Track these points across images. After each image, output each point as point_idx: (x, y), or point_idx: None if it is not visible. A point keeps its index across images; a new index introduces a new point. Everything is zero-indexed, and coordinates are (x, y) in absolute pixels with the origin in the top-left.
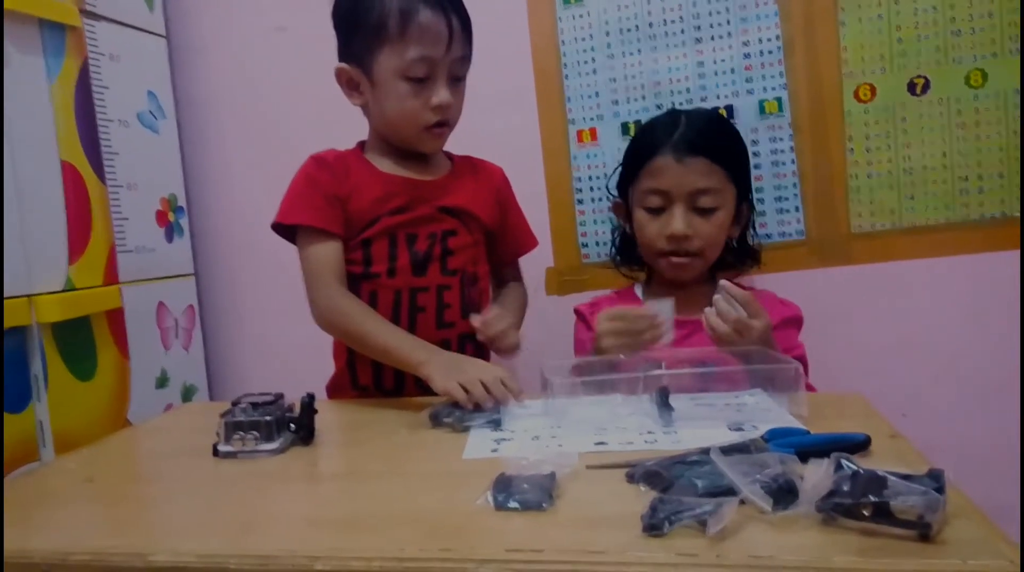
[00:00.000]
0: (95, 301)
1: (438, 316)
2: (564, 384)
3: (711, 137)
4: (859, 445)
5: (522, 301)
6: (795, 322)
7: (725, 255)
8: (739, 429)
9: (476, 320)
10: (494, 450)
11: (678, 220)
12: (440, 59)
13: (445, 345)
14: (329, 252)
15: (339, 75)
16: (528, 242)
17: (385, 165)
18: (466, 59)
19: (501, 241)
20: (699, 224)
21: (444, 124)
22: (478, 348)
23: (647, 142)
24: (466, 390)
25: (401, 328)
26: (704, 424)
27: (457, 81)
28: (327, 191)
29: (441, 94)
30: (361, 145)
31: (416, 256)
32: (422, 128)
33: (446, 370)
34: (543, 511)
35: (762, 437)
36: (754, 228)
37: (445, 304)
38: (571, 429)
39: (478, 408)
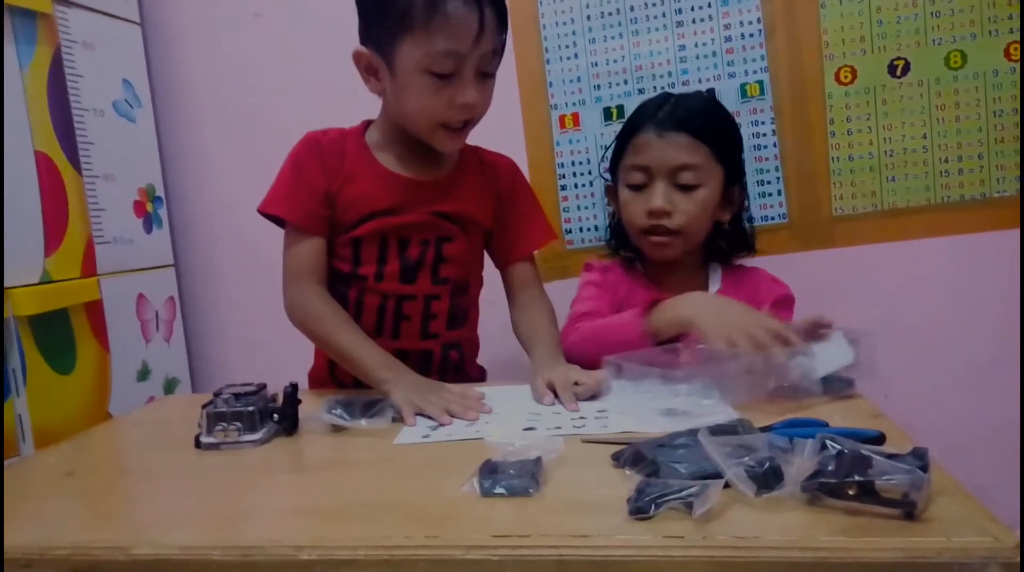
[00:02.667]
0: (73, 293)
1: (423, 326)
2: (632, 368)
3: (696, 114)
4: (872, 441)
5: (553, 322)
6: (788, 302)
7: (717, 240)
8: (672, 416)
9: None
10: (425, 436)
11: (658, 195)
12: (468, 54)
13: (428, 355)
14: (307, 250)
15: (357, 59)
16: (540, 236)
17: (385, 158)
18: (497, 53)
19: (507, 235)
20: (680, 200)
21: (468, 123)
22: (461, 358)
23: (634, 120)
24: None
25: (383, 341)
26: (638, 410)
27: (485, 77)
28: (314, 184)
29: (468, 93)
30: (366, 125)
31: (406, 262)
32: (441, 126)
33: (408, 394)
34: (529, 496)
35: (775, 428)
36: (750, 216)
37: (432, 314)
38: (504, 413)
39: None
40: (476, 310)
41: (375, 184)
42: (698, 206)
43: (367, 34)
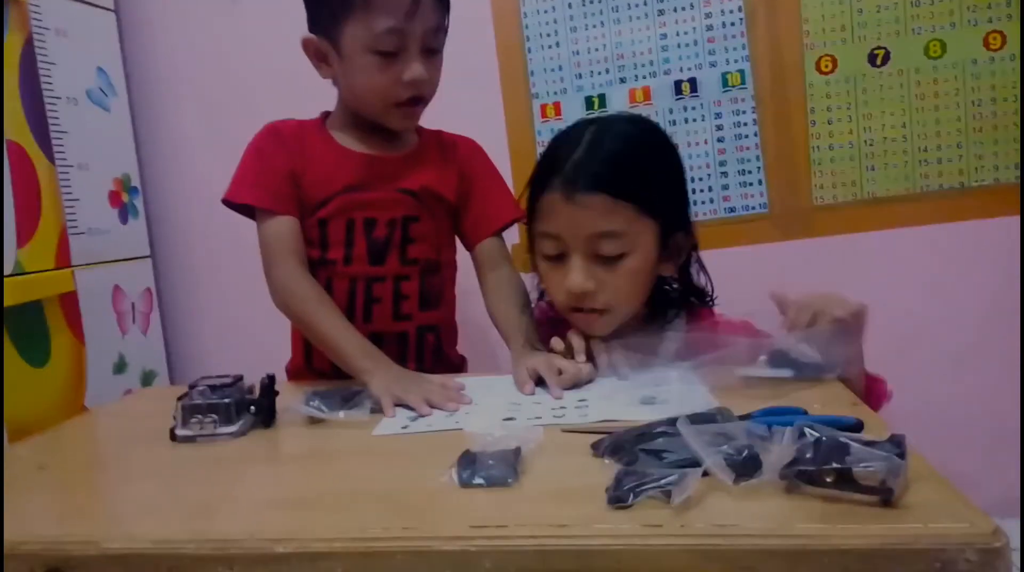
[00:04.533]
0: (46, 285)
1: (395, 307)
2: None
3: (613, 164)
4: (851, 428)
5: (526, 303)
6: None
7: (666, 294)
8: (651, 404)
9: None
10: (404, 427)
11: (575, 273)
12: (410, 30)
13: (402, 337)
14: (283, 229)
15: (306, 46)
16: (505, 212)
17: (345, 139)
18: (441, 29)
19: (472, 213)
20: (603, 275)
21: (418, 100)
22: (438, 342)
23: (542, 168)
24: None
25: (355, 324)
26: (618, 398)
27: (432, 53)
28: (278, 166)
29: (413, 69)
30: (325, 116)
31: (374, 244)
32: (393, 104)
33: (388, 385)
34: (508, 487)
35: (754, 416)
36: (699, 262)
37: (403, 295)
38: (484, 403)
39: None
40: (452, 293)
41: (337, 163)
42: (626, 279)
43: (313, 21)
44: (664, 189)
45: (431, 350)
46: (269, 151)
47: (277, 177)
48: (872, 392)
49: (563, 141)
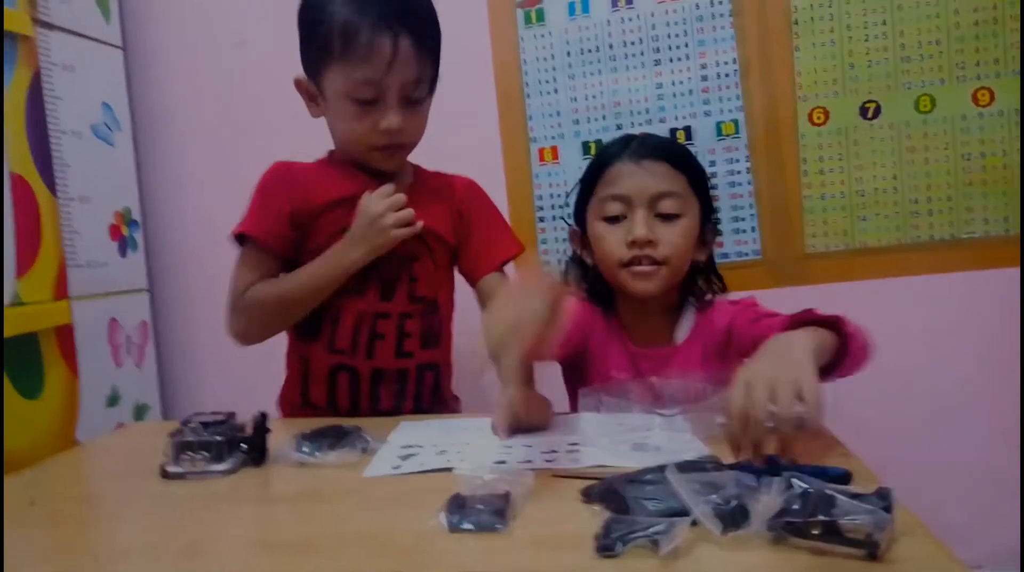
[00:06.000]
0: (43, 317)
1: (398, 345)
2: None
3: (670, 145)
4: (839, 479)
5: None
6: (751, 304)
7: (694, 277)
8: (642, 450)
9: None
10: (396, 467)
11: (640, 224)
12: (387, 82)
13: (403, 375)
14: (268, 265)
15: (298, 86)
16: (506, 248)
17: (345, 177)
18: (423, 80)
19: (473, 249)
20: (663, 230)
21: (398, 146)
22: (437, 381)
23: (603, 156)
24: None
25: (358, 360)
26: (609, 443)
27: (411, 103)
28: (279, 206)
29: (389, 119)
30: (330, 154)
31: (385, 279)
32: (371, 148)
33: (356, 244)
34: (497, 532)
35: (742, 465)
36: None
37: (406, 333)
38: (476, 445)
39: None
40: (449, 333)
41: (340, 200)
42: (682, 236)
43: (303, 62)
44: (703, 179)
45: (430, 389)
46: (272, 190)
47: (275, 217)
48: (849, 353)
49: (616, 141)
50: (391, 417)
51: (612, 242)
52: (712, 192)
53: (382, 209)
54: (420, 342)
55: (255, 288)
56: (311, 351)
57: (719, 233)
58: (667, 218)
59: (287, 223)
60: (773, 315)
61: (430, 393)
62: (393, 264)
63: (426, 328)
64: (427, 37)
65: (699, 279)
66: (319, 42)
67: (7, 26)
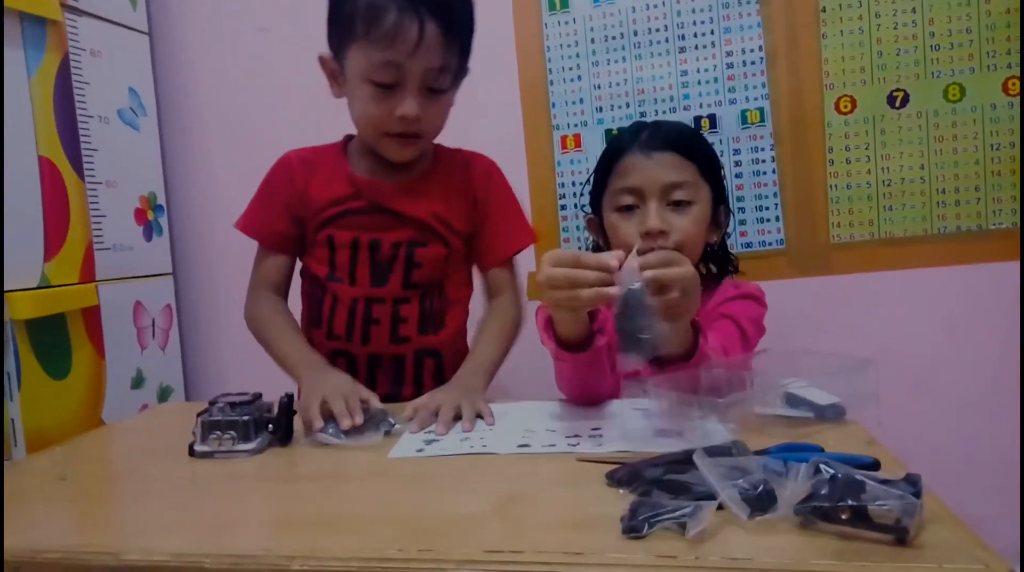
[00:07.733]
0: (71, 299)
1: (392, 330)
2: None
3: (679, 135)
4: (867, 467)
5: (500, 335)
6: (749, 297)
7: (707, 261)
8: (667, 436)
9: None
10: (420, 450)
11: (652, 215)
12: (409, 67)
13: (399, 360)
14: (269, 267)
15: (321, 63)
16: (516, 239)
17: (359, 163)
18: (447, 70)
19: (484, 240)
20: (674, 219)
21: (414, 134)
22: (440, 366)
23: (615, 147)
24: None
25: (353, 346)
26: (633, 429)
27: (433, 92)
28: (279, 205)
29: (407, 105)
30: (348, 139)
31: (377, 265)
32: (386, 135)
33: (311, 389)
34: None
35: (770, 451)
36: (731, 235)
37: (401, 318)
38: (499, 430)
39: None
40: (459, 320)
41: (342, 189)
42: (693, 223)
43: (329, 38)
44: (713, 164)
45: (431, 374)
46: (274, 187)
47: (276, 216)
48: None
49: (627, 130)
50: (392, 404)
51: (626, 232)
52: (736, 180)
53: (336, 410)
54: (418, 328)
55: (257, 309)
56: (314, 337)
57: (731, 214)
58: (679, 205)
59: (286, 220)
60: (734, 317)
61: (431, 379)
62: (385, 249)
63: (425, 314)
64: (456, 25)
65: (712, 262)
66: (345, 19)
67: (38, 11)
